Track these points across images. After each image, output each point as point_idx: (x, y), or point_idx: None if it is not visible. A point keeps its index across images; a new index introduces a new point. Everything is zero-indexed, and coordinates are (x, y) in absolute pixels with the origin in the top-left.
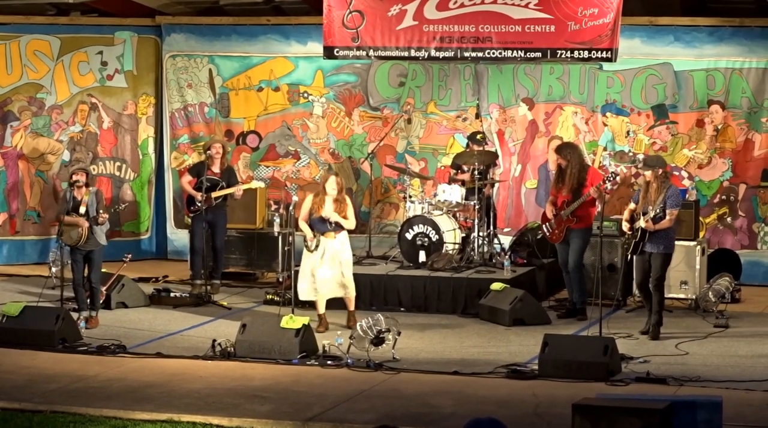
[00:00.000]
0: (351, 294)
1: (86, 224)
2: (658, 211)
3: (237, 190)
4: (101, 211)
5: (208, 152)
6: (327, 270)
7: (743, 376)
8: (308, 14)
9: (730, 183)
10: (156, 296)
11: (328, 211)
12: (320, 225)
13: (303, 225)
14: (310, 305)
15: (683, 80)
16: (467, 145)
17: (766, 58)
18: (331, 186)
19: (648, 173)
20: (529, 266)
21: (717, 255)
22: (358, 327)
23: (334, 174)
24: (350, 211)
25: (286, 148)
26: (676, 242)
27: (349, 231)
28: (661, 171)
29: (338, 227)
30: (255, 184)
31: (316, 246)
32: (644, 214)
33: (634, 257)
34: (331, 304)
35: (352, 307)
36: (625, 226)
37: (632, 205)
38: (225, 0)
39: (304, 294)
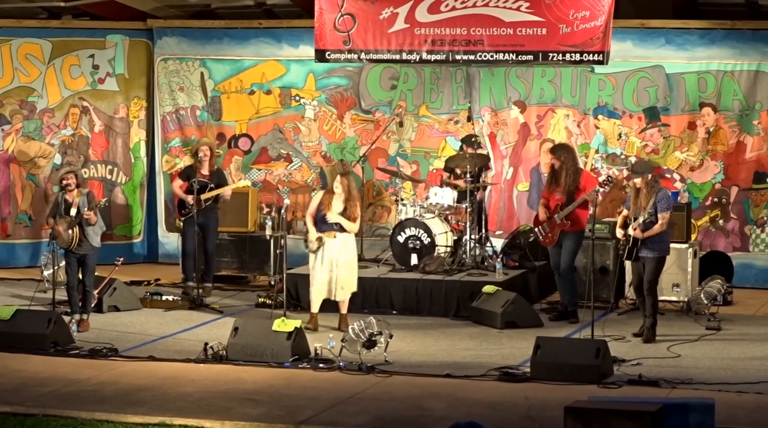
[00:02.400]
0: (344, 296)
1: (65, 227)
2: (647, 216)
3: (225, 191)
4: (92, 210)
5: (197, 155)
6: (323, 270)
7: (735, 378)
8: (300, 17)
9: (722, 185)
10: (148, 299)
11: (335, 211)
12: (323, 223)
13: (308, 222)
14: (303, 308)
15: (675, 83)
16: (461, 147)
17: (757, 60)
18: (336, 185)
19: (638, 180)
20: (521, 269)
21: (709, 257)
22: (350, 330)
23: (342, 173)
24: (357, 214)
25: (278, 151)
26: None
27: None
28: (650, 176)
29: (341, 228)
30: (242, 183)
31: (317, 248)
32: (635, 219)
33: (629, 262)
34: (326, 306)
35: (343, 310)
36: (619, 233)
37: (625, 211)
38: (217, 3)
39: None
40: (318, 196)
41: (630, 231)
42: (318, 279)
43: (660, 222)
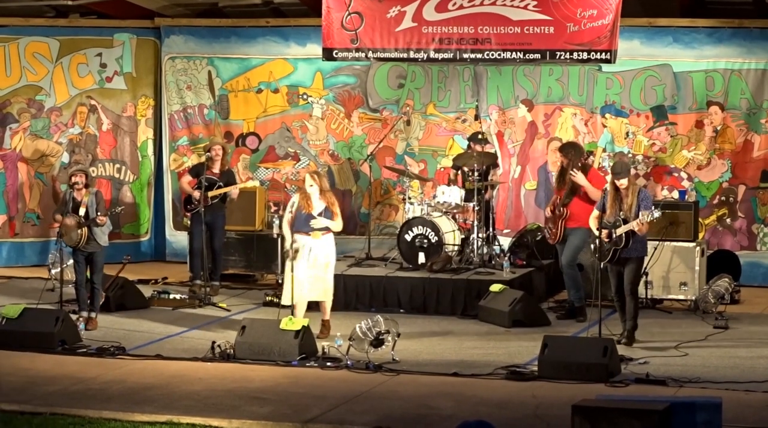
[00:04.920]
0: (319, 296)
1: (74, 226)
2: (652, 215)
3: (233, 190)
4: (99, 213)
5: (208, 154)
6: (307, 270)
7: (743, 377)
8: (307, 16)
9: (729, 184)
10: (155, 298)
11: (317, 210)
12: (304, 224)
13: (286, 230)
14: (310, 307)
15: (682, 81)
16: (468, 145)
17: (765, 59)
18: (308, 183)
19: (625, 181)
20: (528, 267)
21: (716, 256)
22: (358, 329)
23: (310, 172)
24: (337, 209)
25: (285, 150)
26: (676, 243)
27: (349, 233)
28: (632, 174)
29: (327, 228)
30: (250, 184)
31: (294, 254)
32: (625, 221)
33: (608, 265)
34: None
35: (326, 316)
36: (604, 234)
37: (596, 213)
38: (224, 2)
39: (284, 299)
40: (294, 199)
41: (635, 226)
42: (300, 280)
43: (648, 220)
